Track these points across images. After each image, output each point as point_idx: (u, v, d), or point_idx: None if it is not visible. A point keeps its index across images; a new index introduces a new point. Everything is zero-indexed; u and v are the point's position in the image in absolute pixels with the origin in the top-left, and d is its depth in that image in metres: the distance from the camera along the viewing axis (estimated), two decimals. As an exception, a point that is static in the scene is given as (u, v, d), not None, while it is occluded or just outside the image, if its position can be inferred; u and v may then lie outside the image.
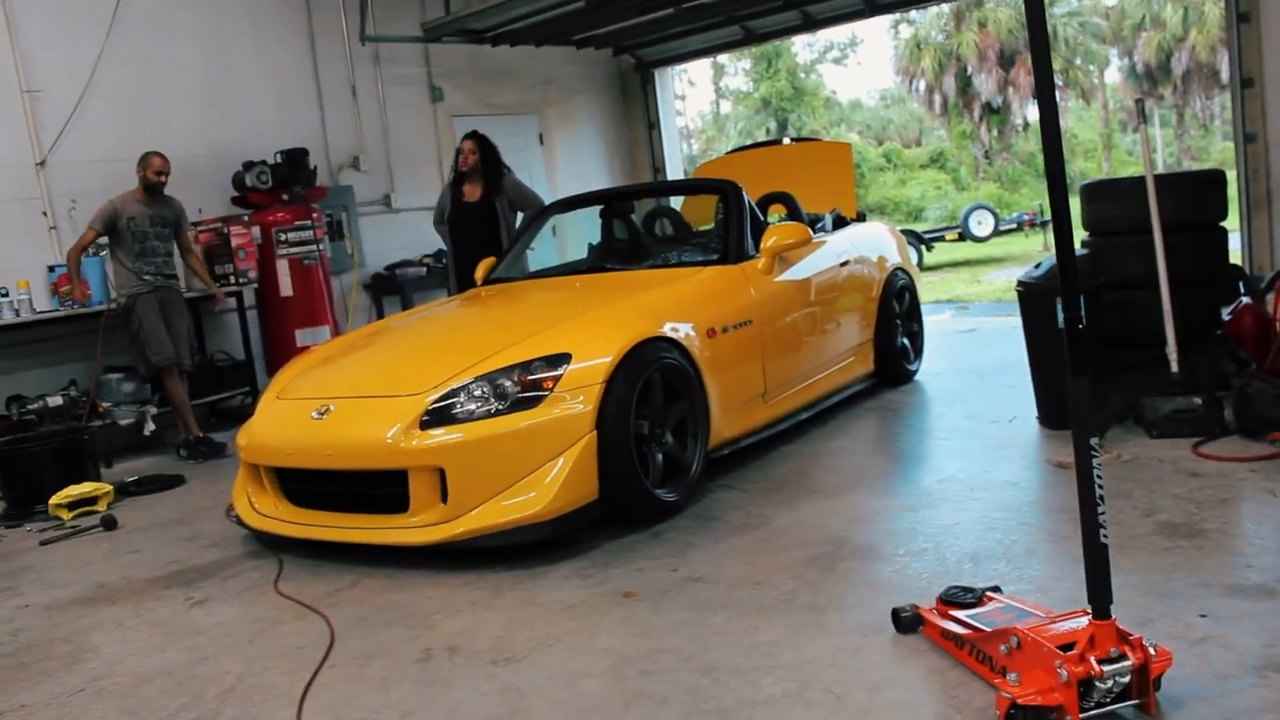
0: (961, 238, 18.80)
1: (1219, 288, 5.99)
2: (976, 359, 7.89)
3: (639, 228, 6.89)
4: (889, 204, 31.71)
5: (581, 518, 4.36)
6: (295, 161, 8.67)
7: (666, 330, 4.85)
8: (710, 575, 4.00)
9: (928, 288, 13.68)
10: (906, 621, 3.31)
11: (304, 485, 4.69)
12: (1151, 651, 2.70)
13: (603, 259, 6.66)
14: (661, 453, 4.70)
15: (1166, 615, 3.26)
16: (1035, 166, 32.10)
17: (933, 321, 9.59)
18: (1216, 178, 6.06)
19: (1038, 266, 5.80)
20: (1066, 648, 2.69)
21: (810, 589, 3.77)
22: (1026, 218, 19.45)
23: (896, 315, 6.99)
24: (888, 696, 2.96)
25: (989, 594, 3.27)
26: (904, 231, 17.61)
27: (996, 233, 19.00)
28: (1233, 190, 6.74)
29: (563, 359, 4.42)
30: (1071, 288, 2.76)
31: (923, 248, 18.05)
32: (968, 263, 18.38)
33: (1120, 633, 2.69)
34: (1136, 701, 2.69)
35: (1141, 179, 5.51)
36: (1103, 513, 2.68)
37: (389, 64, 10.17)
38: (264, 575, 4.53)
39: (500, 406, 4.32)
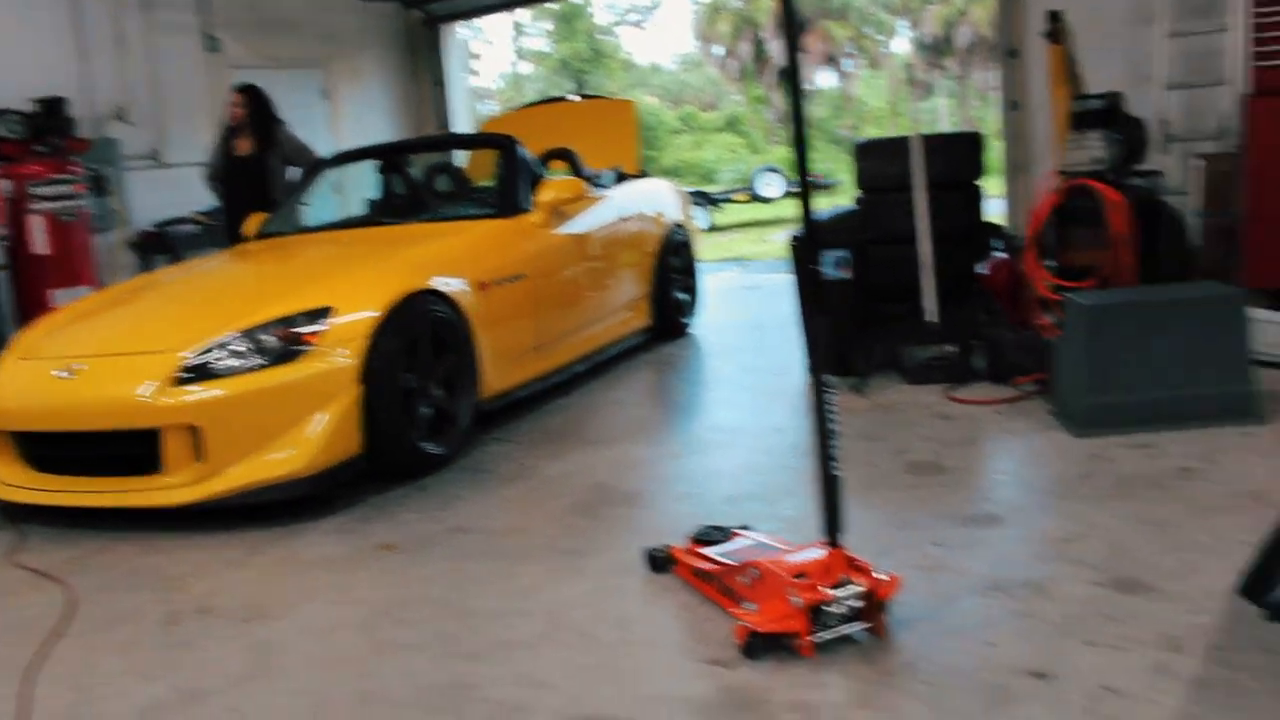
0: (752, 199, 19.28)
1: (977, 244, 6.32)
2: (755, 314, 8.13)
3: (419, 183, 6.80)
4: (684, 166, 32.18)
5: (345, 472, 4.31)
6: (52, 111, 8.17)
7: (436, 284, 4.82)
8: (474, 525, 4.02)
9: (716, 247, 14.00)
10: (659, 561, 3.41)
11: (49, 450, 4.46)
12: (881, 577, 2.86)
13: (377, 213, 6.57)
14: (430, 406, 4.67)
15: (905, 545, 3.46)
16: (825, 130, 33.14)
17: (717, 279, 9.84)
18: (974, 139, 6.39)
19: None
20: (803, 578, 2.82)
21: (572, 535, 3.84)
22: (816, 180, 20.05)
23: (674, 271, 7.12)
24: (637, 632, 3.06)
25: (737, 531, 3.40)
26: (694, 193, 17.98)
27: (787, 195, 19.53)
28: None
29: (324, 313, 4.34)
30: (813, 238, 2.87)
31: (713, 209, 18.42)
32: (757, 223, 18.87)
33: (850, 560, 2.85)
34: (867, 625, 2.85)
35: (907, 138, 5.76)
36: (834, 447, 2.82)
37: (161, 10, 9.67)
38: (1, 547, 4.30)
39: (261, 362, 4.21)
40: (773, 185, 19.70)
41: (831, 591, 2.77)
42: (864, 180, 6.24)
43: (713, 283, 8.86)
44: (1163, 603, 2.94)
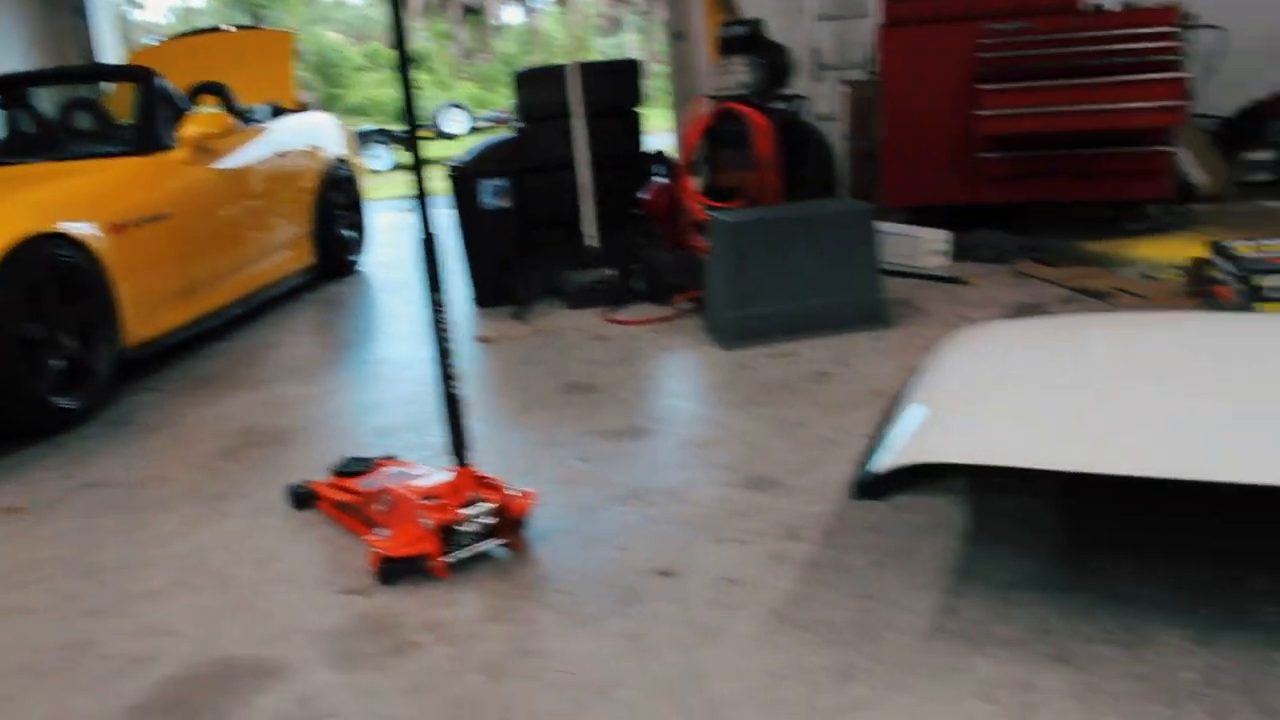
0: (437, 135, 18.98)
1: (637, 170, 6.44)
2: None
3: (51, 120, 6.26)
4: (371, 104, 31.29)
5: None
6: None
7: (62, 227, 4.44)
8: (111, 479, 3.77)
9: (395, 184, 13.68)
10: (302, 497, 3.31)
11: None
12: (514, 494, 2.88)
13: (-1, 153, 5.99)
14: (61, 358, 4.33)
15: (552, 462, 3.50)
16: (513, 66, 32.92)
17: (396, 217, 9.63)
18: (632, 67, 6.48)
19: (469, 152, 5.94)
20: (433, 499, 2.80)
21: (216, 480, 3.67)
22: (501, 115, 20.01)
23: (338, 207, 6.90)
24: (275, 570, 2.96)
25: (382, 461, 3.34)
26: (376, 131, 17.52)
27: (474, 131, 19.37)
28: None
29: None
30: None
31: (396, 146, 18.03)
32: (441, 160, 18.55)
33: (481, 479, 2.85)
34: (504, 541, 2.87)
35: (564, 67, 5.77)
36: (452, 366, 2.79)
37: None
38: None
39: None
40: (457, 121, 19.47)
41: (462, 511, 2.76)
42: (524, 109, 6.22)
43: (391, 220, 8.66)
44: (787, 497, 3.11)
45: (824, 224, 4.68)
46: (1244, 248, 4.67)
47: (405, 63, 2.74)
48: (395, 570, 2.76)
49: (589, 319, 5.29)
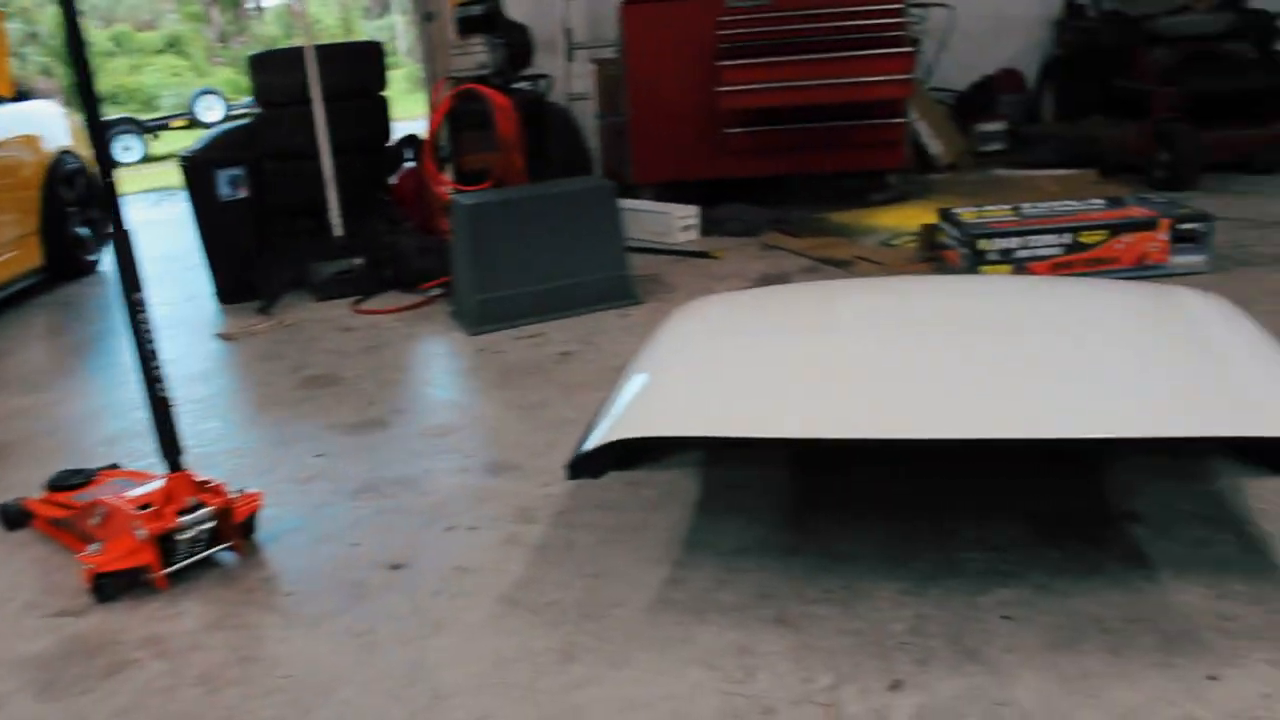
0: (192, 124, 18.15)
1: (385, 154, 6.31)
2: (180, 243, 7.64)
3: None
4: (123, 92, 29.62)
5: None
6: None
7: None
8: None
9: (149, 177, 13.04)
10: (14, 517, 3.11)
11: None
12: (234, 496, 2.78)
13: None
14: None
15: (288, 460, 3.40)
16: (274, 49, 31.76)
17: (147, 211, 9.19)
18: (375, 48, 6.34)
19: (201, 140, 5.69)
20: (147, 509, 2.68)
21: (-84, 505, 3.40)
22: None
23: (69, 203, 6.50)
24: (-23, 598, 2.76)
25: (104, 472, 3.17)
26: (125, 120, 16.61)
27: (230, 118, 18.57)
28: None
29: None
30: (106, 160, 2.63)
31: (149, 137, 17.14)
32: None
33: (197, 483, 2.74)
34: (228, 546, 2.77)
35: (302, 49, 5.58)
36: (157, 368, 2.67)
37: None
38: None
39: None
40: (213, 109, 18.65)
41: (179, 518, 2.65)
42: (262, 94, 6.01)
43: (141, 214, 8.24)
44: (523, 480, 3.11)
45: (565, 203, 4.69)
46: (968, 214, 4.94)
47: (77, 39, 2.57)
48: (111, 586, 2.63)
49: (337, 310, 5.16)
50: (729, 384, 2.41)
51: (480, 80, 5.32)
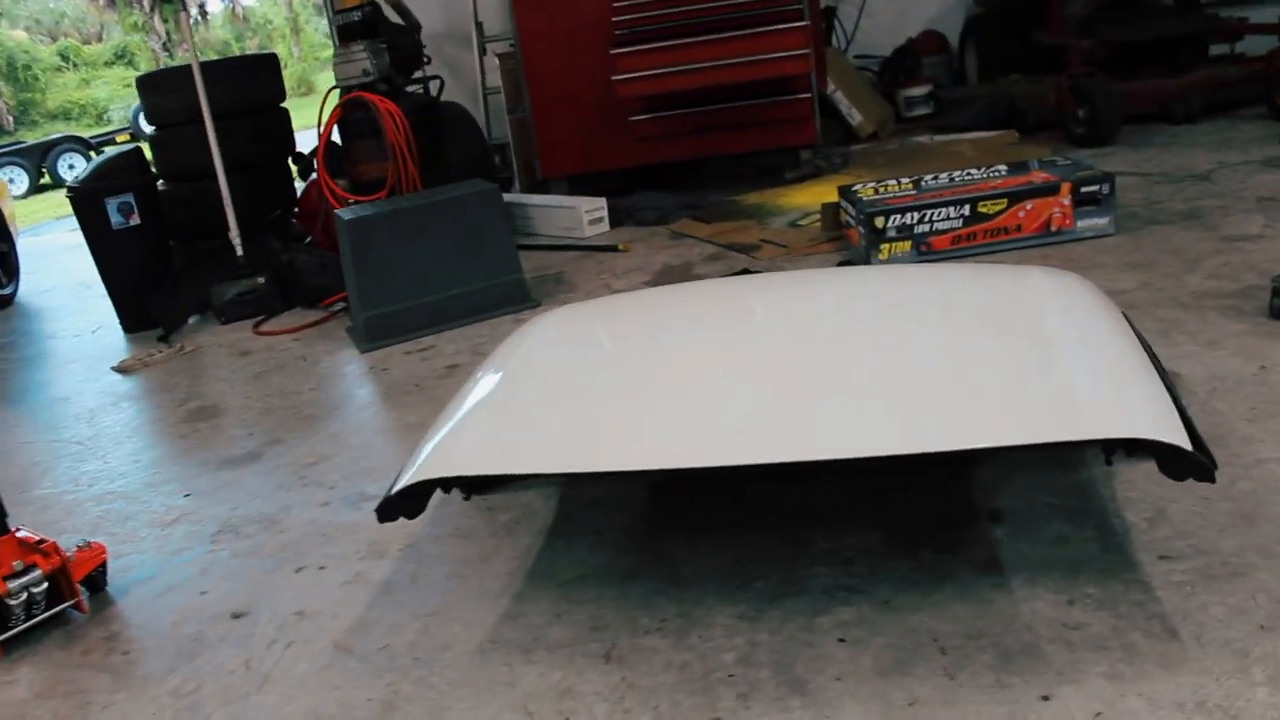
0: (133, 138, 17.93)
1: (286, 169, 6.21)
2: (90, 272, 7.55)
3: None
4: (74, 107, 29.33)
5: None
6: None
7: None
8: None
9: (53, 206, 12.93)
10: None
11: None
12: (74, 552, 2.71)
13: None
14: None
15: (155, 502, 3.34)
16: (223, 54, 31.41)
17: (60, 237, 9.08)
18: (270, 61, 6.23)
19: (88, 169, 5.59)
20: (-24, 575, 2.60)
21: None
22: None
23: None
24: None
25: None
26: (69, 138, 16.42)
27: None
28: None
29: None
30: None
31: (93, 154, 16.96)
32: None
33: (26, 544, 2.66)
34: (71, 603, 2.70)
35: (189, 67, 5.47)
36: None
37: None
38: None
39: None
40: (156, 121, 18.41)
41: (8, 583, 2.58)
42: (153, 115, 5.90)
43: (57, 240, 8.13)
44: (378, 511, 3.03)
45: (450, 209, 4.59)
46: (865, 190, 4.87)
47: None
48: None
49: (238, 333, 5.08)
50: (526, 416, 2.34)
51: (366, 87, 5.21)
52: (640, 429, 2.15)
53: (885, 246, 4.58)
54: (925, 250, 4.58)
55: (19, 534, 2.70)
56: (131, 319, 5.39)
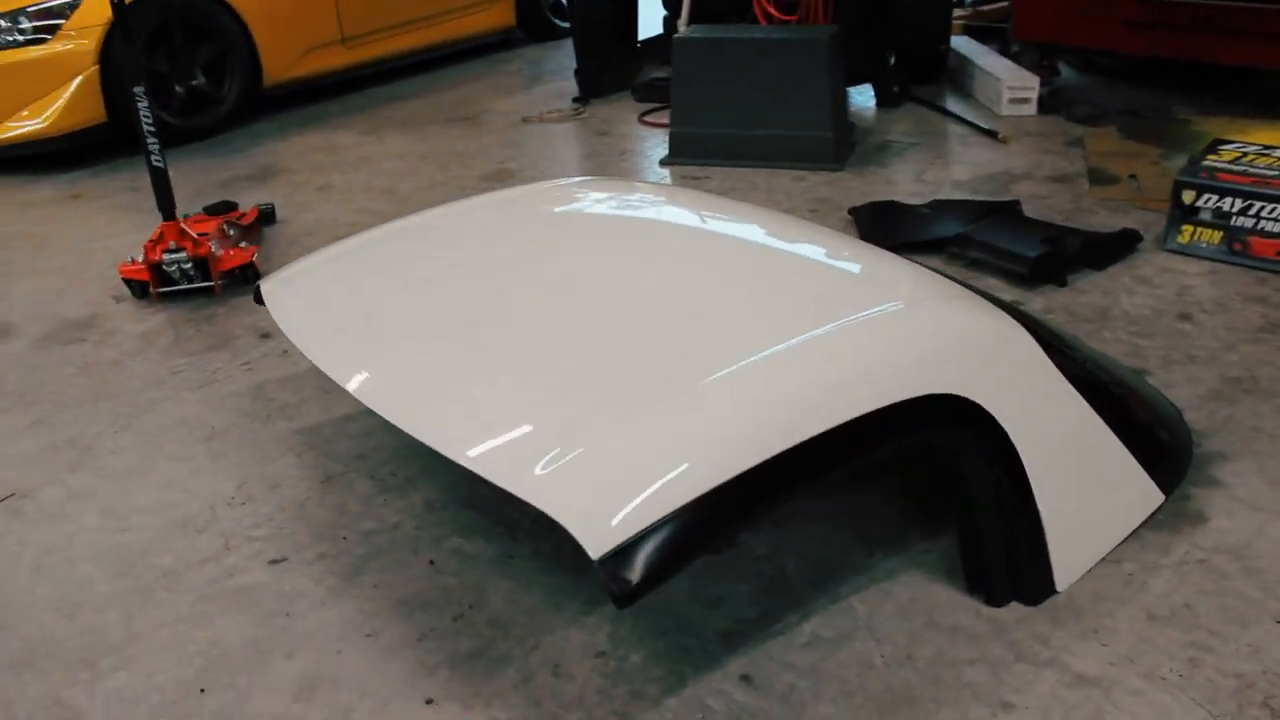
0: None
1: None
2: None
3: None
4: None
5: (90, 135, 5.21)
6: None
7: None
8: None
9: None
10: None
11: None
12: (213, 248, 3.57)
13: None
14: (184, 87, 5.46)
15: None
16: None
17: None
18: None
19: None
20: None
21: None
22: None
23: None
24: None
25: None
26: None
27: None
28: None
29: (72, 4, 5.12)
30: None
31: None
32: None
33: (183, 231, 3.55)
34: (209, 284, 3.58)
35: None
36: (153, 143, 3.43)
37: None
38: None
39: (17, 39, 5.08)
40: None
41: (164, 255, 3.51)
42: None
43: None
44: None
45: (774, 50, 4.46)
46: (1226, 152, 3.79)
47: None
48: (131, 287, 3.61)
49: (629, 112, 5.52)
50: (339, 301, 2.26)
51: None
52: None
53: (1187, 229, 3.62)
54: (1239, 250, 3.58)
55: (183, 223, 3.57)
56: (584, 80, 5.98)
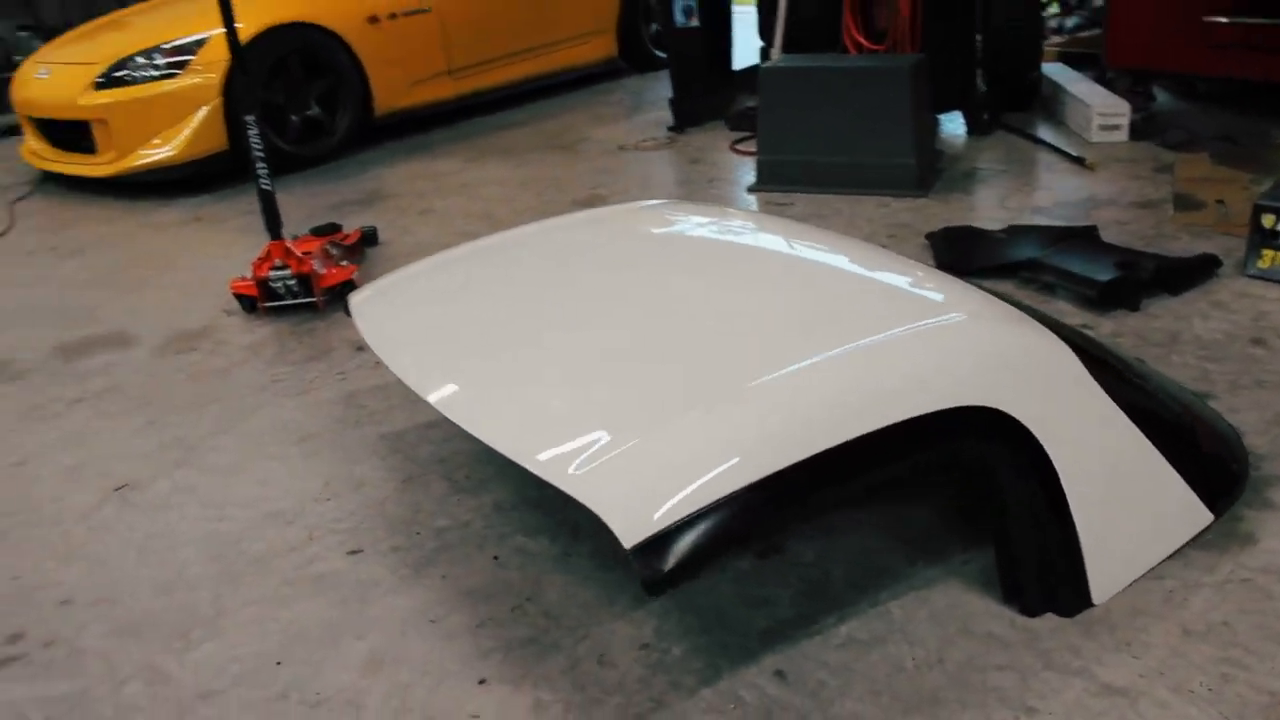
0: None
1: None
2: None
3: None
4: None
5: (214, 164, 5.55)
6: None
7: (311, 18, 5.71)
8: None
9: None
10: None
11: (50, 131, 5.95)
12: (316, 266, 3.79)
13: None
14: (299, 117, 5.77)
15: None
16: None
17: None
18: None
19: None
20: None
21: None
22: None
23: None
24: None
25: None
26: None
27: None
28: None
29: (200, 42, 5.48)
30: None
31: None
32: None
33: (288, 250, 3.78)
34: (310, 300, 3.81)
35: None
36: (262, 169, 3.68)
37: None
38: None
39: (153, 74, 5.45)
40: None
41: (271, 271, 3.74)
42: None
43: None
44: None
45: (858, 79, 4.53)
46: None
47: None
48: (241, 301, 3.86)
49: (722, 141, 5.66)
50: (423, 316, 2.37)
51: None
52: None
53: (1268, 254, 3.57)
54: (1320, 274, 3.57)
55: (288, 242, 3.81)
56: (679, 110, 6.14)
